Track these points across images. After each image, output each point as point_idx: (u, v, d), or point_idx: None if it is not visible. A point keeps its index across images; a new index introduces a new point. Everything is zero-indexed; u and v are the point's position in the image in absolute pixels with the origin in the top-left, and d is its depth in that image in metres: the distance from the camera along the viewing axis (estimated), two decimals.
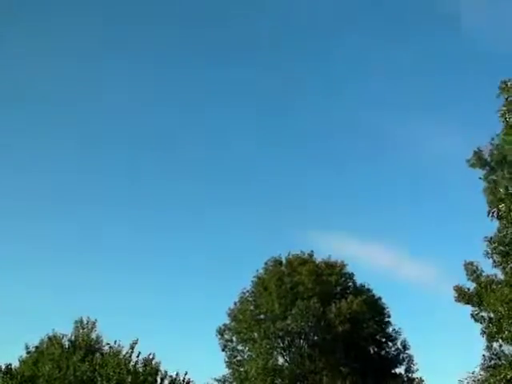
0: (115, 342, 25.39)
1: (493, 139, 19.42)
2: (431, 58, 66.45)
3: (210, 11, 67.61)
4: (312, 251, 33.01)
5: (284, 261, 33.02)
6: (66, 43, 68.06)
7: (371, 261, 51.94)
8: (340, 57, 69.12)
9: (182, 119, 72.33)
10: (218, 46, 70.48)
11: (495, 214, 19.09)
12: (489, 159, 19.59)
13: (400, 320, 33.66)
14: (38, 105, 70.16)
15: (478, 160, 19.70)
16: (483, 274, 19.85)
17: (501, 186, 18.91)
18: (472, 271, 19.97)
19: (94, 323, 28.32)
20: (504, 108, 18.58)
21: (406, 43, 67.34)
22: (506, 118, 18.51)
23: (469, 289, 19.88)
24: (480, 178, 19.84)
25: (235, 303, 32.18)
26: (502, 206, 18.64)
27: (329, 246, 63.71)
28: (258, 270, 32.74)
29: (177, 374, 24.77)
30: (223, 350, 31.51)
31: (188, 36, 71.62)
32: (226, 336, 31.69)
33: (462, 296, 19.93)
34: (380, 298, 32.87)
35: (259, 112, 71.11)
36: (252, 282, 32.51)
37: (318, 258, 33.06)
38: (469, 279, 20.06)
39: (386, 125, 63.47)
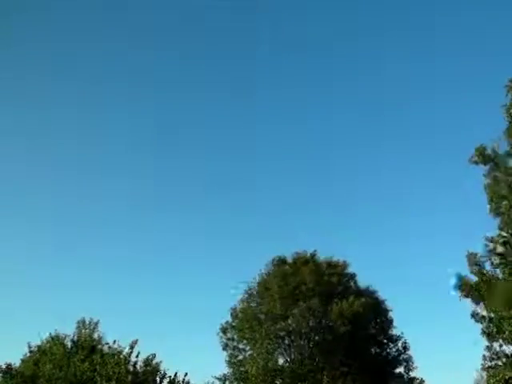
0: (114, 341, 25.38)
1: (498, 137, 19.09)
2: None
3: None
4: (315, 251, 32.82)
5: (289, 260, 32.85)
6: None
7: None
8: None
9: None
10: None
11: (496, 212, 18.89)
12: (492, 155, 19.26)
13: (401, 319, 33.58)
14: None
15: (481, 156, 19.33)
16: (485, 269, 19.66)
17: (502, 183, 18.63)
18: (474, 263, 19.77)
19: (96, 323, 28.28)
20: (509, 104, 18.31)
21: None
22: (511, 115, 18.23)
23: (472, 280, 19.67)
24: (483, 175, 19.55)
25: (238, 302, 32.19)
26: (505, 203, 18.43)
27: None
28: (261, 270, 32.82)
29: (175, 375, 24.74)
30: (224, 349, 31.51)
31: None
32: (228, 334, 31.63)
33: (463, 289, 19.74)
34: (383, 301, 32.69)
35: None
36: (255, 281, 32.50)
37: (321, 257, 32.92)
38: (471, 272, 19.88)
39: None
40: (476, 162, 19.54)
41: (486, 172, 19.59)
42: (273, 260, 32.89)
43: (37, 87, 74.44)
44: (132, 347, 24.33)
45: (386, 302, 32.73)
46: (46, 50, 73.69)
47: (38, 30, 71.74)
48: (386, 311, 32.56)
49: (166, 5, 71.30)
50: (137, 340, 24.73)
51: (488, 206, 19.26)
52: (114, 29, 74.31)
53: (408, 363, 31.24)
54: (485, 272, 19.33)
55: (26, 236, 67.97)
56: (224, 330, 31.77)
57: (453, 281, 19.44)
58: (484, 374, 19.88)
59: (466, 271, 19.95)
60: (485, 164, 19.48)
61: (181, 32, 73.29)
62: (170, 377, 24.49)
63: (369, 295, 32.19)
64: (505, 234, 17.57)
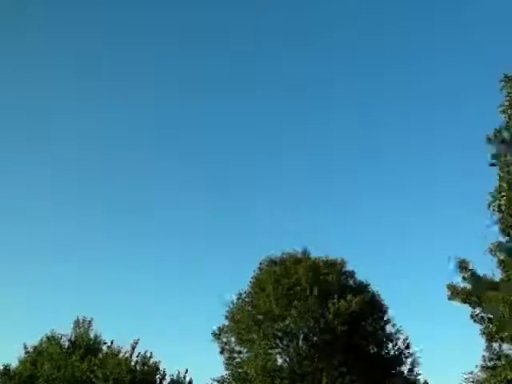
0: (111, 342, 25.38)
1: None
2: None
3: None
4: (305, 248, 32.08)
5: (278, 260, 32.45)
6: None
7: None
8: None
9: None
10: None
11: (496, 207, 18.73)
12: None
13: (401, 319, 33.38)
14: None
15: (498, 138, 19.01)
16: (480, 274, 19.54)
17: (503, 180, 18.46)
18: (464, 269, 19.60)
19: (89, 322, 28.25)
20: (506, 103, 18.13)
21: None
22: (508, 115, 18.05)
23: (464, 287, 19.54)
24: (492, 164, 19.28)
25: (232, 304, 31.89)
26: (503, 197, 18.28)
27: None
28: (254, 271, 32.49)
29: (178, 373, 24.73)
30: (221, 353, 31.14)
31: None
32: (224, 338, 31.33)
33: (456, 294, 19.62)
34: (378, 295, 32.20)
35: None
36: (249, 282, 32.30)
37: (317, 255, 32.50)
38: (463, 278, 19.72)
39: None
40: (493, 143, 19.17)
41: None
42: (263, 260, 32.51)
43: (36, 85, 74.11)
44: (133, 348, 24.35)
45: (382, 296, 32.41)
46: (44, 47, 73.57)
47: (37, 27, 71.60)
48: (381, 305, 32.19)
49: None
50: (138, 340, 24.78)
51: (488, 201, 19.08)
52: (114, 25, 74.16)
53: (413, 363, 30.91)
54: (481, 276, 19.20)
55: (25, 235, 67.74)
56: (218, 336, 31.39)
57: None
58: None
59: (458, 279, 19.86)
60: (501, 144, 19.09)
61: (181, 31, 73.16)
62: (172, 376, 24.54)
63: (363, 289, 31.89)
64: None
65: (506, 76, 17.97)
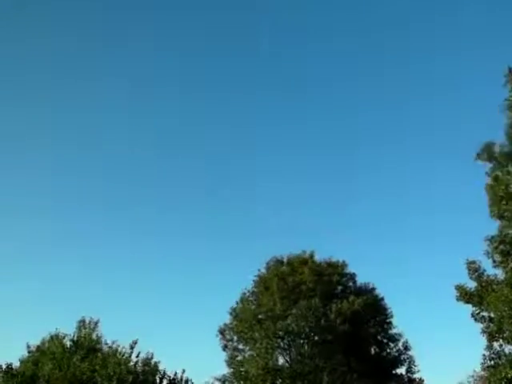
0: (113, 342, 25.44)
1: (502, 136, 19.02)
2: None
3: None
4: (313, 251, 32.79)
5: (285, 260, 32.89)
6: None
7: None
8: None
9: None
10: None
11: (496, 212, 18.88)
12: (497, 154, 19.19)
13: (401, 319, 33.55)
14: None
15: (487, 154, 19.23)
16: (485, 273, 19.67)
17: (503, 183, 18.59)
18: (474, 270, 19.78)
19: (96, 323, 28.25)
20: (511, 99, 18.17)
21: None
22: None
23: (470, 288, 19.67)
24: (486, 173, 19.48)
25: (237, 302, 32.13)
26: (503, 203, 18.41)
27: None
28: (259, 270, 32.78)
29: (175, 374, 24.83)
30: (224, 350, 31.47)
31: None
32: (227, 336, 31.61)
33: (463, 295, 19.75)
34: (382, 299, 32.64)
35: None
36: (253, 281, 32.51)
37: (320, 257, 32.92)
38: (471, 278, 19.88)
39: None
40: (482, 159, 19.39)
41: (489, 170, 19.49)
42: (270, 260, 32.93)
43: (36, 85, 74.38)
44: (132, 347, 24.45)
45: (386, 300, 32.76)
46: (43, 48, 73.71)
47: (36, 28, 71.78)
48: (385, 309, 32.52)
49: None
50: (137, 340, 24.90)
51: (488, 207, 19.23)
52: (115, 26, 74.51)
53: (410, 364, 31.14)
54: (484, 278, 19.30)
55: (25, 234, 67.91)
56: (222, 332, 31.70)
57: None
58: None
59: (465, 278, 20.02)
60: (490, 162, 19.38)
61: (181, 32, 73.40)
62: (170, 377, 24.60)
63: (368, 292, 32.15)
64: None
65: (510, 70, 18.00)
